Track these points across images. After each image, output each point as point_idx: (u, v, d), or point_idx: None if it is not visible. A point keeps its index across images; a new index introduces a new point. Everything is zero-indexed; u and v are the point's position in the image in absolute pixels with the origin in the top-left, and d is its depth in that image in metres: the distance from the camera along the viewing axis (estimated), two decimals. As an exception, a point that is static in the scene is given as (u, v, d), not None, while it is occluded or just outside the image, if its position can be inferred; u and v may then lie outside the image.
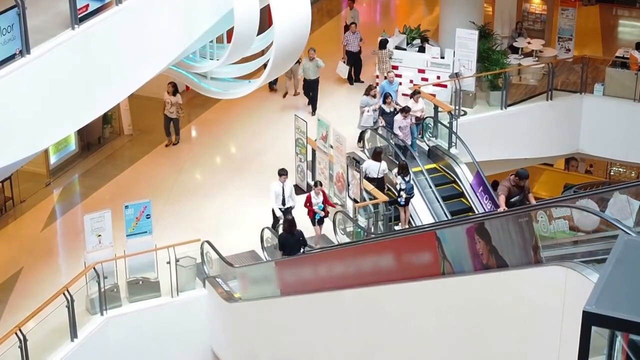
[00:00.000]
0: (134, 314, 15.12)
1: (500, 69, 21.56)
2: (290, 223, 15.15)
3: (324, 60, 21.50)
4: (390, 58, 21.82)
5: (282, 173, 16.54)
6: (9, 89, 11.13)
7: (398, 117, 18.70)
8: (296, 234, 15.15)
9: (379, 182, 17.42)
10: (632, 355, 5.47)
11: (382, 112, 19.04)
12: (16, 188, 18.23)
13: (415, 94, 19.42)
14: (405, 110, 18.64)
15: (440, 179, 18.69)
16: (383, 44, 21.68)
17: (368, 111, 19.08)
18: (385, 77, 20.33)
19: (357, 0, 30.01)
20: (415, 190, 17.87)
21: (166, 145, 20.33)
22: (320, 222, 16.17)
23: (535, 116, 21.48)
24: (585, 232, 8.93)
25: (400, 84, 20.81)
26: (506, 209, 12.96)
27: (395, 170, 17.14)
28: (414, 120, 19.00)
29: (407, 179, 16.93)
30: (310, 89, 21.52)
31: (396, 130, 18.67)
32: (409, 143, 18.86)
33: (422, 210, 17.69)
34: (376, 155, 17.59)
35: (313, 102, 21.47)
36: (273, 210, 16.41)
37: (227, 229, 17.29)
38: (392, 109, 19.06)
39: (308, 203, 16.12)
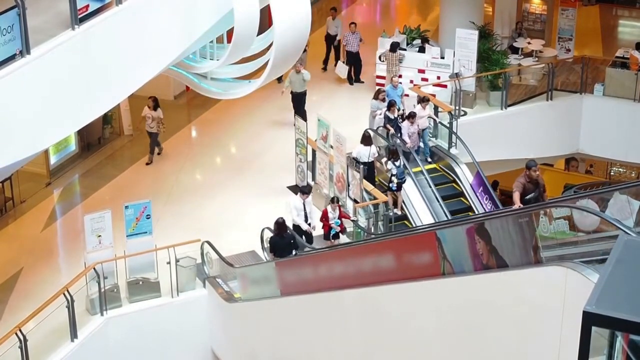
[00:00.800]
0: (134, 314, 15.11)
1: (500, 69, 21.56)
2: (280, 226, 15.20)
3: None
4: (400, 62, 21.79)
5: (306, 191, 16.37)
6: (9, 89, 11.12)
7: (405, 124, 18.56)
8: (286, 236, 15.22)
9: (369, 166, 17.61)
10: (632, 356, 5.47)
11: (387, 120, 18.98)
12: (16, 188, 18.23)
13: (423, 100, 19.24)
14: (412, 116, 18.51)
15: (444, 185, 18.69)
16: (394, 47, 21.66)
17: (381, 114, 19.08)
18: (391, 79, 20.23)
19: (357, 0, 30.11)
20: (415, 189, 17.92)
21: (147, 164, 19.82)
22: (336, 237, 16.02)
23: (536, 116, 21.47)
24: (585, 232, 8.93)
25: (401, 83, 20.75)
26: (521, 206, 12.79)
27: (385, 159, 17.26)
28: (421, 127, 18.85)
29: (397, 163, 17.08)
30: (298, 102, 20.76)
31: (405, 138, 18.53)
32: (416, 149, 18.74)
33: (422, 210, 17.74)
34: (365, 139, 17.77)
35: (302, 114, 20.58)
36: (298, 226, 16.08)
37: (227, 229, 17.29)
38: (396, 116, 18.97)
39: (324, 218, 15.96)
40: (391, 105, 18.91)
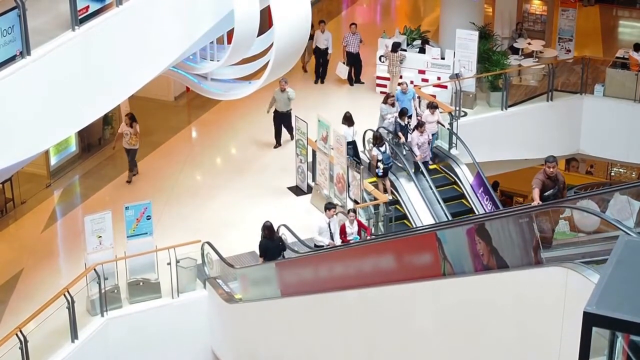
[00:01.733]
0: (134, 315, 15.11)
1: (500, 69, 21.56)
2: (269, 229, 15.21)
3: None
4: (402, 62, 21.76)
5: (331, 207, 15.69)
6: (9, 90, 11.13)
7: (415, 135, 18.29)
8: (275, 239, 15.25)
9: (354, 145, 18.02)
10: (632, 356, 5.47)
11: (400, 127, 18.90)
12: (17, 189, 18.23)
13: (432, 106, 19.09)
14: (420, 125, 18.31)
15: (445, 187, 18.67)
16: (395, 47, 21.64)
17: (391, 118, 19.08)
18: (400, 84, 20.09)
19: (358, 1, 30.11)
20: (416, 191, 17.91)
21: (127, 182, 19.08)
22: None
23: (536, 117, 21.47)
24: (585, 232, 8.93)
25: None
26: (540, 203, 12.60)
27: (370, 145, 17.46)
28: (430, 132, 18.69)
29: (382, 149, 17.12)
30: (282, 122, 20.10)
31: (415, 149, 18.28)
32: (426, 160, 18.57)
33: (423, 211, 17.74)
34: (347, 119, 18.28)
35: (289, 130, 20.23)
36: (320, 245, 15.60)
37: (227, 230, 17.29)
38: (406, 122, 18.91)
39: (343, 234, 15.49)
40: (402, 113, 18.82)
